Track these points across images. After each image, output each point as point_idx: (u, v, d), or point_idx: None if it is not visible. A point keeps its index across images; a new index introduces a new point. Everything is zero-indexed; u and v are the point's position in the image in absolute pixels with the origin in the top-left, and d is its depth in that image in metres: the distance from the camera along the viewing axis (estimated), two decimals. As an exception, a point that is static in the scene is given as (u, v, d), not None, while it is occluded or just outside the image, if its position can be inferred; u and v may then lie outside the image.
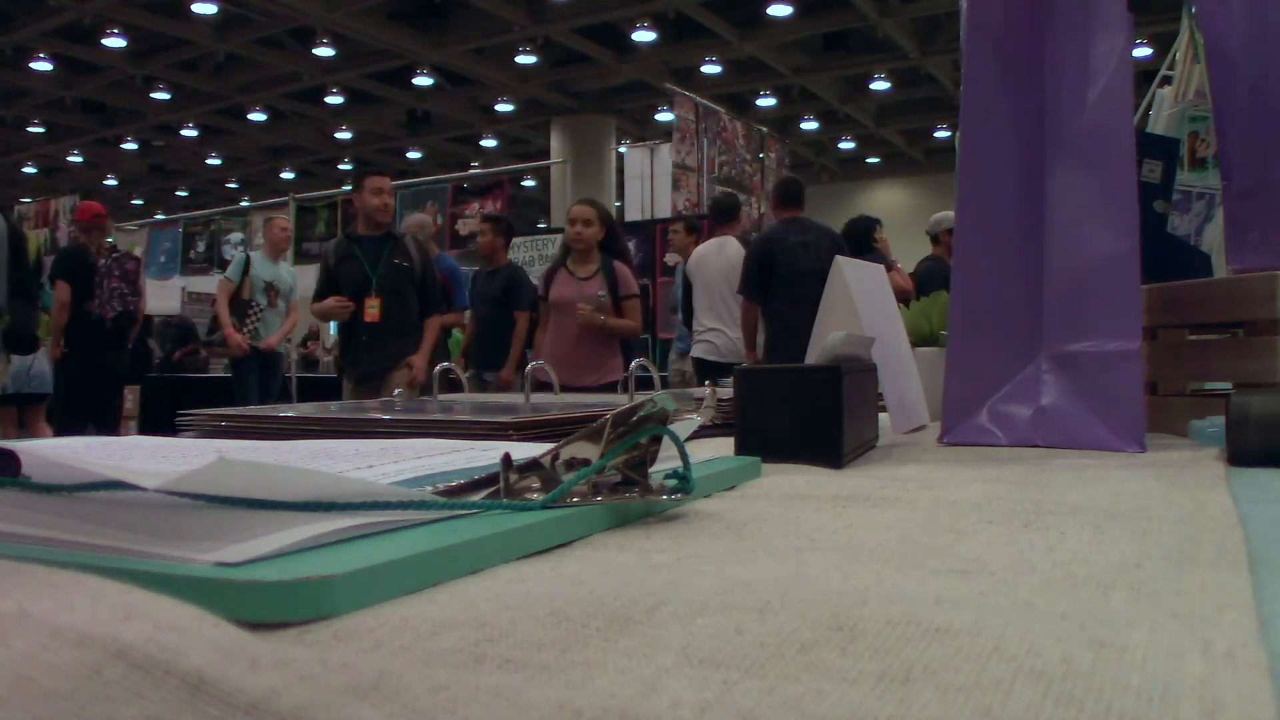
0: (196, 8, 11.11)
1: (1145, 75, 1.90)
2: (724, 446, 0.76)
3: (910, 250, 5.66)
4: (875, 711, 0.22)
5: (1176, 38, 1.65)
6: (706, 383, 1.22)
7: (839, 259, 1.01)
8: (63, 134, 15.69)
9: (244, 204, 9.93)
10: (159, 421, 6.50)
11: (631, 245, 8.16)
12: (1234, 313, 0.93)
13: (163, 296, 9.13)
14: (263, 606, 0.29)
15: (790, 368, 0.76)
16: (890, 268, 4.42)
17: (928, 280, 4.73)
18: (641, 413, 0.47)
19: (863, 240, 5.01)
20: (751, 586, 0.34)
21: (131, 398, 7.19)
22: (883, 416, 0.97)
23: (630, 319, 4.22)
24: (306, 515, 0.36)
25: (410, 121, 15.85)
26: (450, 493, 0.45)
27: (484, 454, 0.62)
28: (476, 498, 0.45)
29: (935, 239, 5.30)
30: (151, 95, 13.80)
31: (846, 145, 18.08)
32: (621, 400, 1.11)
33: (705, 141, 8.43)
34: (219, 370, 7.71)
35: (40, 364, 5.88)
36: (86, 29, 11.48)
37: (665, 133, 9.73)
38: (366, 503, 0.38)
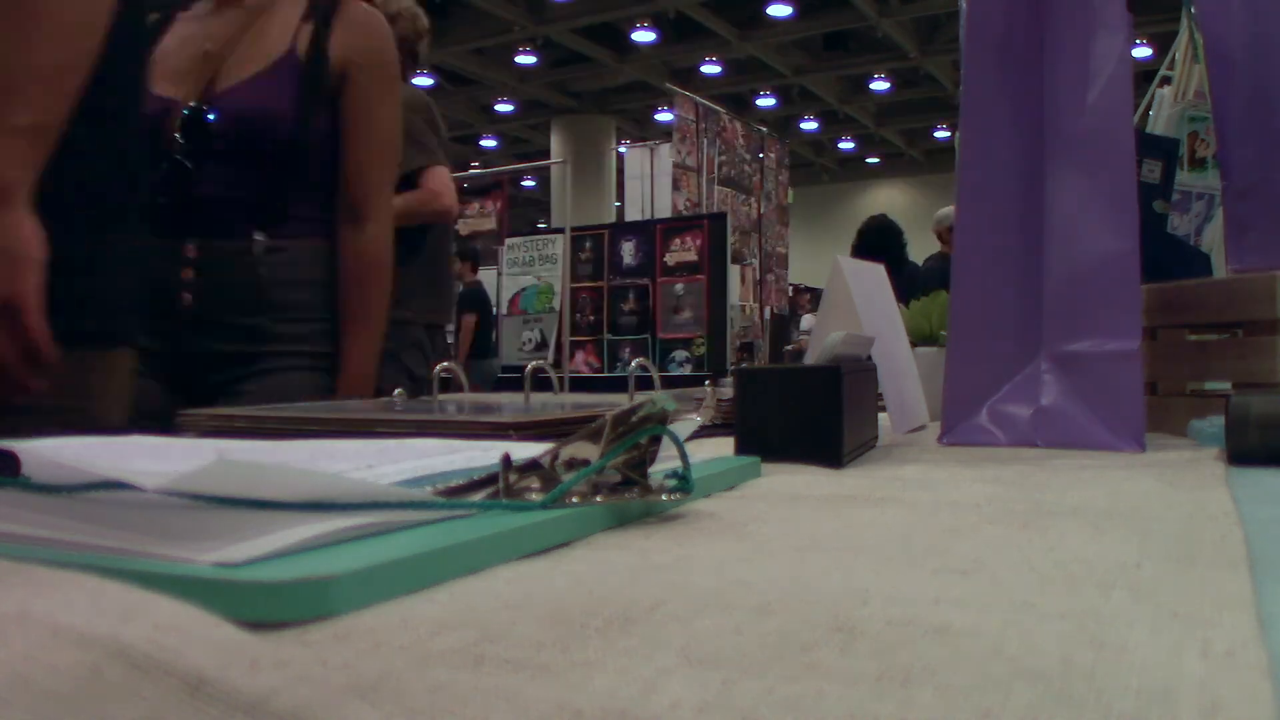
0: (196, 8, 11.10)
1: (1145, 75, 1.90)
2: (724, 446, 0.76)
3: (912, 250, 5.65)
4: (875, 711, 0.22)
5: (1176, 38, 1.65)
6: (706, 383, 1.22)
7: (839, 258, 1.01)
8: (63, 134, 15.66)
9: (244, 204, 9.91)
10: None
11: (631, 245, 8.17)
12: (1234, 313, 0.93)
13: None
14: (263, 606, 0.29)
15: (790, 368, 0.76)
16: None
17: (932, 278, 4.70)
18: (641, 413, 0.47)
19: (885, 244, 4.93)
20: (751, 586, 0.34)
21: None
22: (883, 416, 0.97)
23: None
24: (306, 515, 0.36)
25: (410, 121, 15.82)
26: (450, 493, 0.45)
27: (484, 454, 0.62)
28: (476, 498, 0.45)
29: (941, 236, 5.29)
30: (151, 95, 13.78)
31: (846, 145, 18.10)
32: (622, 400, 1.11)
33: (705, 141, 8.44)
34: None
35: None
36: (86, 29, 11.46)
37: (665, 133, 9.74)
38: (366, 503, 0.38)
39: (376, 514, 0.38)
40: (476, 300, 6.43)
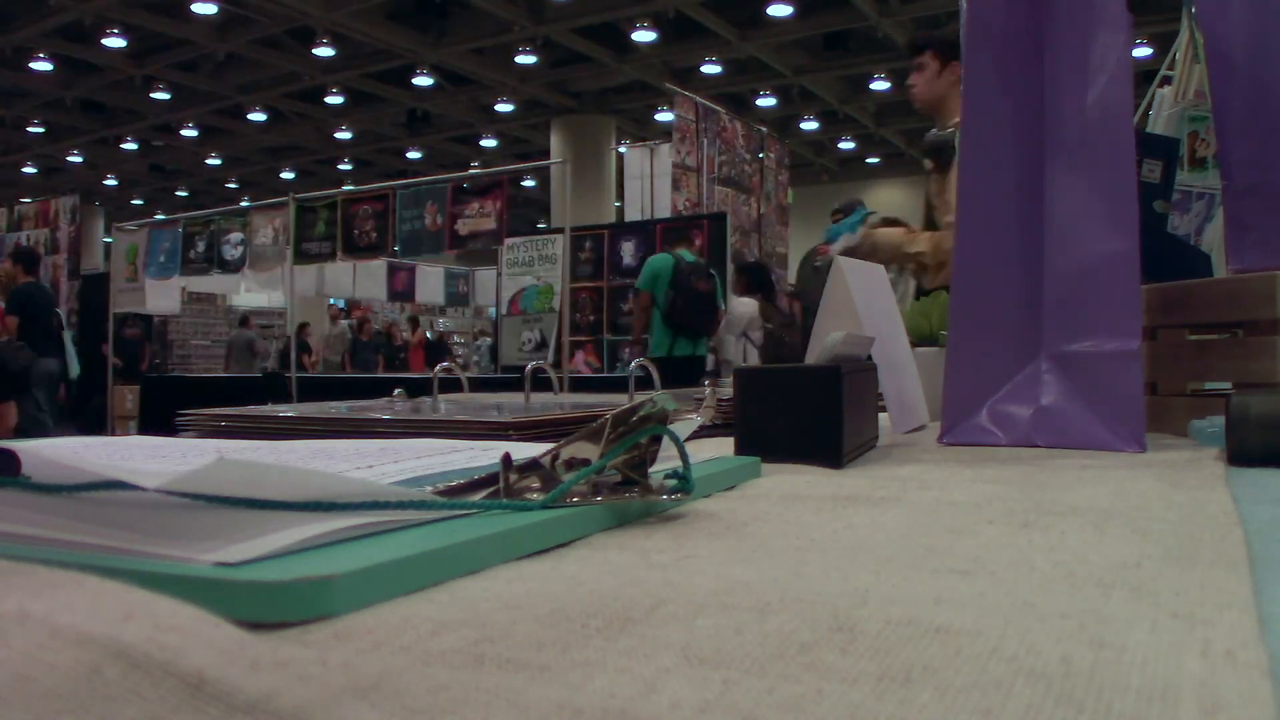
0: (196, 8, 11.10)
1: (1145, 75, 1.89)
2: (724, 446, 0.76)
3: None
4: (875, 711, 0.22)
5: (1176, 38, 1.65)
6: (707, 382, 1.22)
7: (839, 259, 1.01)
8: (63, 134, 15.69)
9: (244, 204, 9.93)
10: (159, 421, 6.56)
11: (630, 245, 8.17)
12: (1234, 313, 0.93)
13: (162, 296, 9.14)
14: (263, 606, 0.29)
15: (790, 368, 0.75)
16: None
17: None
18: (641, 413, 0.47)
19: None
20: (751, 586, 0.34)
21: (131, 397, 7.20)
22: (883, 416, 0.97)
23: None
24: (306, 515, 0.36)
25: (410, 121, 15.84)
26: (450, 493, 0.45)
27: (484, 454, 0.62)
28: (476, 498, 0.45)
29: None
30: (151, 95, 13.80)
31: (846, 145, 18.07)
32: (622, 400, 1.11)
33: (705, 141, 8.43)
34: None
35: None
36: (86, 29, 11.47)
37: (665, 133, 9.73)
38: (366, 503, 0.38)
39: (376, 514, 0.38)
40: (15, 301, 6.92)
